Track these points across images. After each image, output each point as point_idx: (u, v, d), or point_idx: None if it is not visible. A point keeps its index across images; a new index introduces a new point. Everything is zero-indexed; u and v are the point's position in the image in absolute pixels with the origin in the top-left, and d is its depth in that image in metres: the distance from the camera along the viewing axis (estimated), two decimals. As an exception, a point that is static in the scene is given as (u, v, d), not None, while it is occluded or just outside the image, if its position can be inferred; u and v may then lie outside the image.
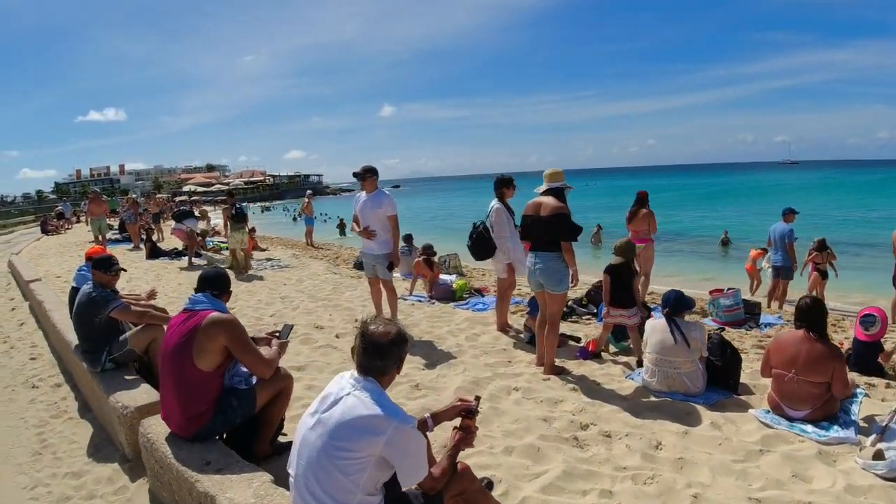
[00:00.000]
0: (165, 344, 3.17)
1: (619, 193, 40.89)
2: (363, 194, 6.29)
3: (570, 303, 7.33)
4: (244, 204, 10.54)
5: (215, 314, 3.12)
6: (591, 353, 5.53)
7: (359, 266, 12.19)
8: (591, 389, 4.70)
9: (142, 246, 16.36)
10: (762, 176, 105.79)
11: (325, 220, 34.30)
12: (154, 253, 13.97)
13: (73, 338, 4.92)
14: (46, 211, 39.54)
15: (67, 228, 26.29)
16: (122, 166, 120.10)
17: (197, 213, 15.63)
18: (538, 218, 4.95)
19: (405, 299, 8.58)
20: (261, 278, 11.02)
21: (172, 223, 14.78)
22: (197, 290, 3.37)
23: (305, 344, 6.23)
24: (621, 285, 5.34)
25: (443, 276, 9.30)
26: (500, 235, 6.18)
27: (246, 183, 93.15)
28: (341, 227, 28.62)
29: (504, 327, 6.60)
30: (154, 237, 17.74)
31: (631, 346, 5.56)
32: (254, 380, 3.29)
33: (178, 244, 14.70)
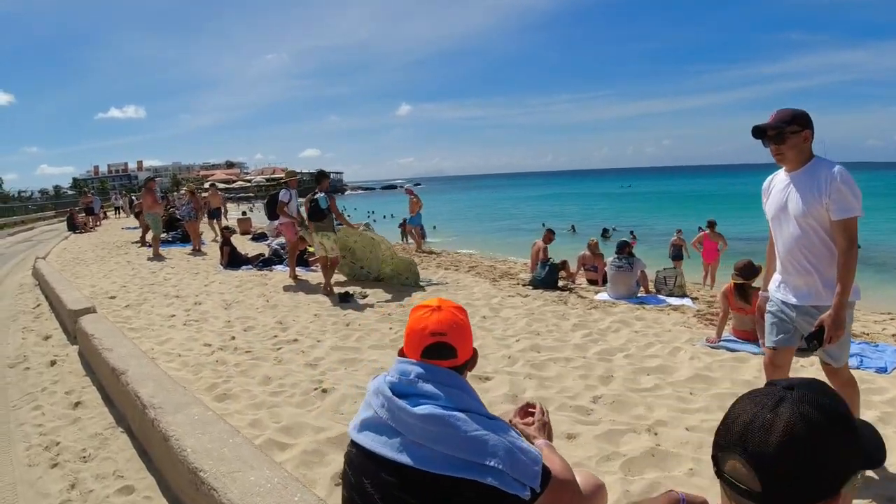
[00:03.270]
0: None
1: (668, 198, 36.67)
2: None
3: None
4: (319, 195, 6.53)
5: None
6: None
7: (541, 285, 8.45)
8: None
9: (201, 248, 12.61)
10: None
11: (373, 220, 30.76)
12: (234, 260, 10.16)
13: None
14: (65, 206, 36.18)
15: (97, 225, 22.70)
16: (139, 163, 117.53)
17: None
18: None
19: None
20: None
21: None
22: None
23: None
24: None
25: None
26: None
27: (267, 180, 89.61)
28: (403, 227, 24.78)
29: None
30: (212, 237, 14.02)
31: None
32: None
33: (245, 244, 10.92)
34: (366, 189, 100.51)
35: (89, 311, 5.81)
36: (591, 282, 9.85)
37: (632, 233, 23.03)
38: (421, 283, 8.60)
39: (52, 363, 5.14)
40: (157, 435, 2.93)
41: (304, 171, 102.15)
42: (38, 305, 7.74)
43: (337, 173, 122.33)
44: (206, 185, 15.56)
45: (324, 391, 4.10)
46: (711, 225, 11.64)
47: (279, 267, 10.20)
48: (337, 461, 3.03)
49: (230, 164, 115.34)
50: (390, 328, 5.97)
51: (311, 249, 10.74)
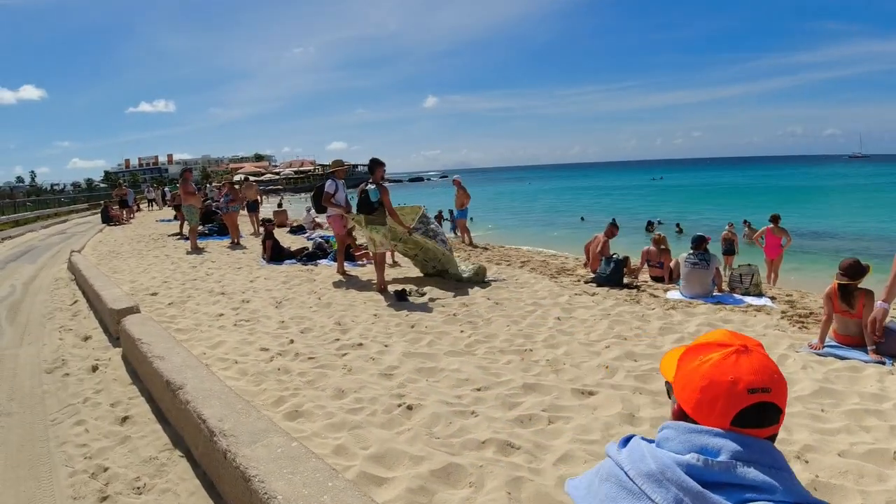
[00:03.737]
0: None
1: (704, 190, 35.30)
2: None
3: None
4: (370, 186, 5.84)
5: None
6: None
7: (606, 282, 7.80)
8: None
9: (239, 241, 12.15)
10: (847, 169, 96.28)
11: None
12: (277, 255, 9.64)
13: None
14: (97, 199, 36.36)
15: (131, 218, 22.54)
16: (170, 156, 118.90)
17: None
18: None
19: None
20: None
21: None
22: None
23: None
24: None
25: None
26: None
27: (296, 172, 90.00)
28: (439, 219, 24.18)
29: None
30: (250, 231, 13.55)
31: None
32: None
33: (286, 238, 10.40)
34: (393, 181, 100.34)
35: (132, 310, 5.30)
36: (656, 279, 9.11)
37: (678, 225, 22.08)
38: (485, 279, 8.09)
39: (94, 368, 4.62)
40: (233, 472, 2.34)
41: (329, 163, 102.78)
42: (76, 302, 7.29)
43: (364, 165, 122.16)
44: (236, 178, 15.05)
45: (408, 408, 3.50)
46: (775, 219, 10.80)
47: (324, 261, 9.66)
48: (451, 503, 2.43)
49: (259, 157, 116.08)
50: (461, 331, 5.35)
51: (358, 243, 10.19)
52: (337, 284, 7.70)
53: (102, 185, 69.66)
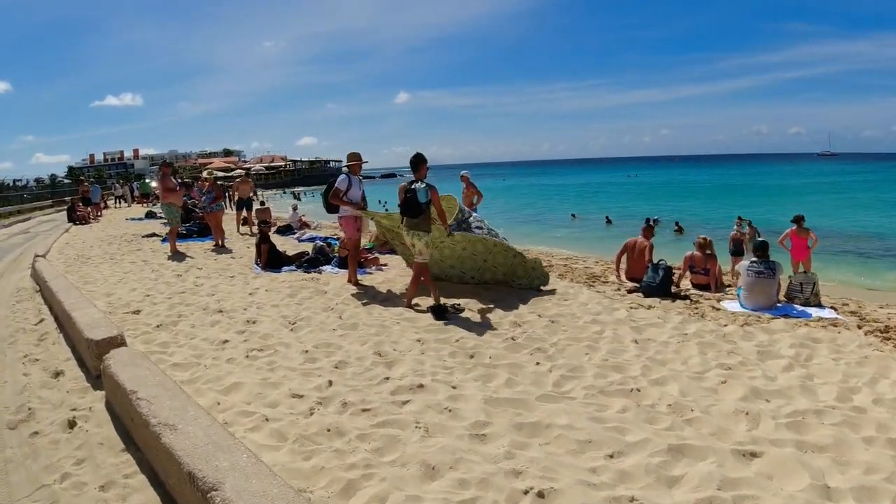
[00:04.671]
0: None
1: (681, 188, 34.88)
2: None
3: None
4: (419, 185, 4.79)
5: None
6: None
7: (655, 292, 6.94)
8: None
9: (224, 244, 10.89)
10: (822, 167, 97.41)
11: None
12: (274, 260, 8.46)
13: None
14: (61, 195, 34.32)
15: (98, 216, 20.93)
16: (136, 151, 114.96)
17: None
18: None
19: None
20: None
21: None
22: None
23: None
24: None
25: None
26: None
27: (267, 168, 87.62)
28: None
29: None
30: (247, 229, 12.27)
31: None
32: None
33: (287, 243, 9.22)
34: (366, 178, 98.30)
35: (116, 341, 4.12)
36: (700, 286, 8.22)
37: (677, 223, 21.38)
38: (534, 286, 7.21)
39: (71, 424, 3.45)
40: None
41: (300, 159, 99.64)
42: (42, 321, 6.03)
43: (336, 161, 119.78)
44: (205, 174, 13.74)
45: (539, 495, 2.46)
46: (799, 220, 10.02)
47: (327, 268, 8.51)
48: None
49: (228, 153, 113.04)
50: (537, 364, 4.32)
51: (364, 243, 9.05)
52: (355, 298, 6.57)
53: (66, 181, 66.67)
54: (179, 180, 15.72)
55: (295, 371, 4.10)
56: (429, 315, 5.73)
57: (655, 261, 7.81)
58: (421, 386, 3.77)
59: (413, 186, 5.87)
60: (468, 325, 5.41)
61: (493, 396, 3.60)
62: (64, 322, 5.34)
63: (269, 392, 3.70)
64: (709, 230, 20.79)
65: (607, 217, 24.74)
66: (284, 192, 53.93)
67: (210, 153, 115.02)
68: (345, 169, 7.25)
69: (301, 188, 67.82)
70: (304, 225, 15.42)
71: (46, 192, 41.19)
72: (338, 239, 12.60)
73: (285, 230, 14.30)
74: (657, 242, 9.18)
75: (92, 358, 4.13)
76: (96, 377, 4.12)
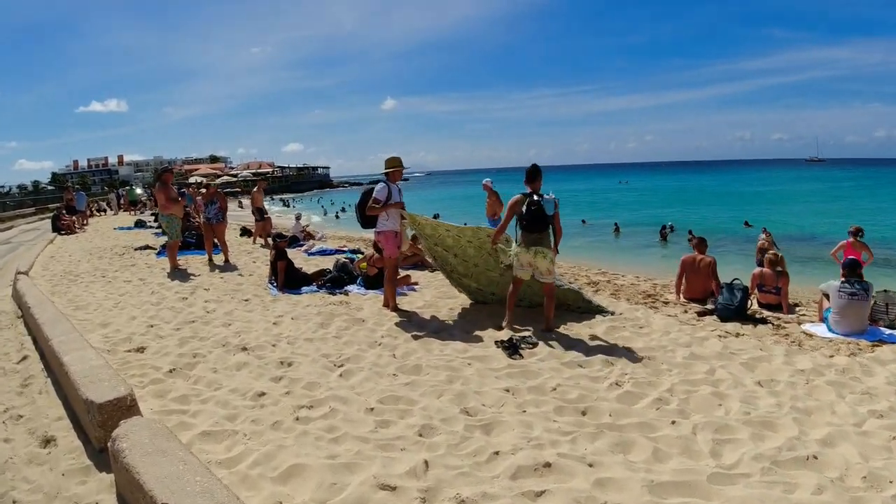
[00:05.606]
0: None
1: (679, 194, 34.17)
2: None
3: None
4: (547, 197, 3.82)
5: None
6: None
7: (734, 315, 6.42)
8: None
9: (228, 259, 9.83)
10: (812, 173, 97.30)
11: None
12: (292, 279, 7.43)
13: None
14: (44, 202, 32.92)
15: (84, 225, 19.70)
16: (120, 157, 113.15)
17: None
18: None
19: None
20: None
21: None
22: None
23: None
24: None
25: None
26: None
27: (254, 174, 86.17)
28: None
29: None
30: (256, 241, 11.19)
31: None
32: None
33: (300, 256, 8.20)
34: (353, 184, 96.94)
35: (126, 404, 3.11)
36: (769, 306, 7.35)
37: (690, 232, 20.58)
38: (601, 309, 6.37)
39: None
40: None
41: (288, 165, 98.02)
42: (24, 359, 4.98)
43: (324, 167, 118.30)
44: (192, 181, 12.68)
45: None
46: (856, 233, 9.18)
47: (353, 288, 7.50)
48: None
49: (214, 159, 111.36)
50: (672, 422, 3.37)
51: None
52: (401, 329, 5.56)
53: (50, 188, 64.99)
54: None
55: (368, 443, 3.10)
56: (498, 351, 4.76)
57: (728, 279, 6.94)
58: (548, 465, 2.79)
59: (540, 199, 5.20)
60: (550, 363, 4.46)
61: (653, 480, 2.63)
62: (54, 367, 4.30)
63: (346, 480, 2.70)
64: (724, 238, 20.06)
65: (616, 225, 23.86)
66: (272, 199, 52.91)
67: (196, 159, 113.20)
68: (383, 176, 6.27)
69: (289, 195, 66.70)
70: (308, 236, 14.40)
71: (29, 200, 39.64)
72: (356, 252, 11.56)
73: (291, 242, 13.24)
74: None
75: (94, 427, 3.12)
76: (100, 451, 3.11)
